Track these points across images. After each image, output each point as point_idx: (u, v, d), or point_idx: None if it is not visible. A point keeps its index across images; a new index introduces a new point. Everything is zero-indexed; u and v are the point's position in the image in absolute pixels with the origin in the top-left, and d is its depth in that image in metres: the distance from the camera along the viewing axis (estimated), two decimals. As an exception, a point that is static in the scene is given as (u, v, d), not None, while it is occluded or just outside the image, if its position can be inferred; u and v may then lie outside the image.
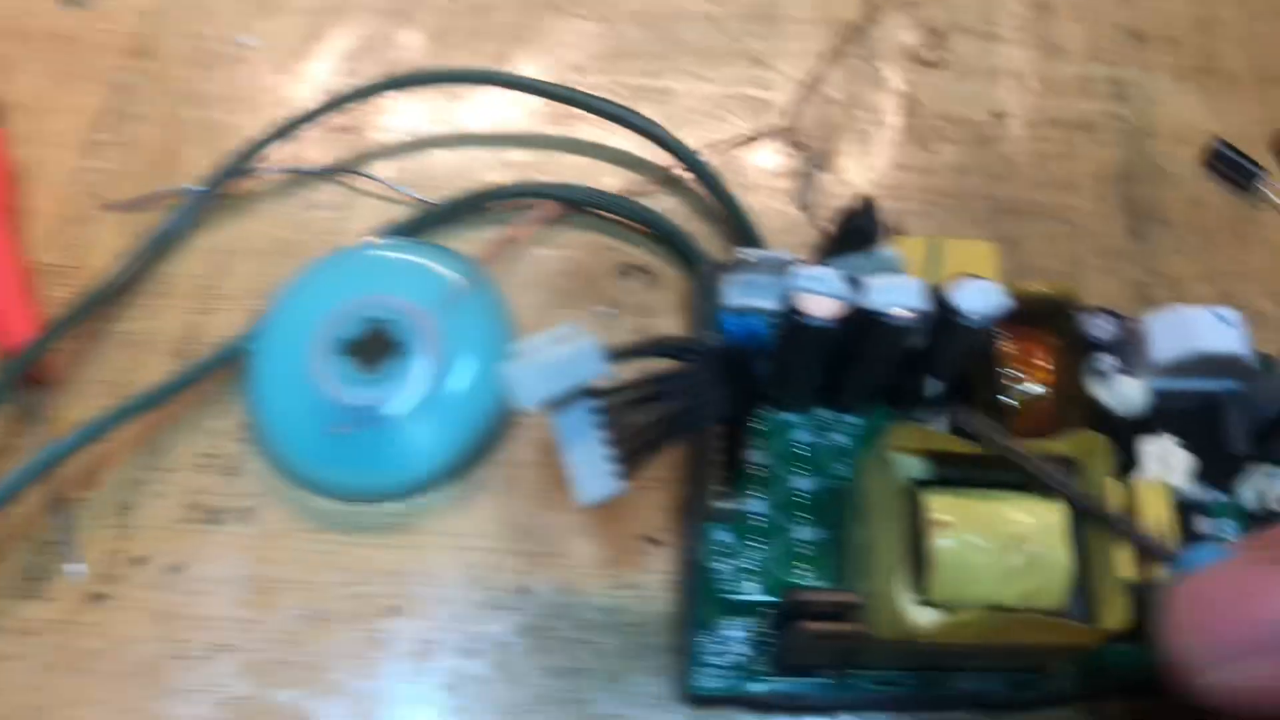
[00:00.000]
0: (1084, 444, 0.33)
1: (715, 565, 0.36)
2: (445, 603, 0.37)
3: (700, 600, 0.36)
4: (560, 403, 0.30)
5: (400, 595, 0.37)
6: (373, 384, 0.37)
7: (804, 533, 0.37)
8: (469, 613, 0.37)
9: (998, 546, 0.31)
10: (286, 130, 0.44)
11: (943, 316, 0.34)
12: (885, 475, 0.33)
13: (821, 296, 0.33)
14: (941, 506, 0.32)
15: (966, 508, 0.32)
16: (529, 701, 0.35)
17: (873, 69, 0.50)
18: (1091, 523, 0.30)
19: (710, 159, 0.46)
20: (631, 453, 0.31)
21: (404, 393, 0.38)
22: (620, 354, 0.31)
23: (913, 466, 0.33)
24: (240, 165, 0.44)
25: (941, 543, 0.31)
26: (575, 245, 0.44)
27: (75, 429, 0.37)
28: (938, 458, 0.33)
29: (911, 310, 0.33)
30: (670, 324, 0.42)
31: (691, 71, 0.50)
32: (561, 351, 0.30)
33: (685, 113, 0.48)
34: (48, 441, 0.37)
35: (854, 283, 0.34)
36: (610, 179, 0.46)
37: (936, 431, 0.34)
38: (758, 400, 0.37)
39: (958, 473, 0.33)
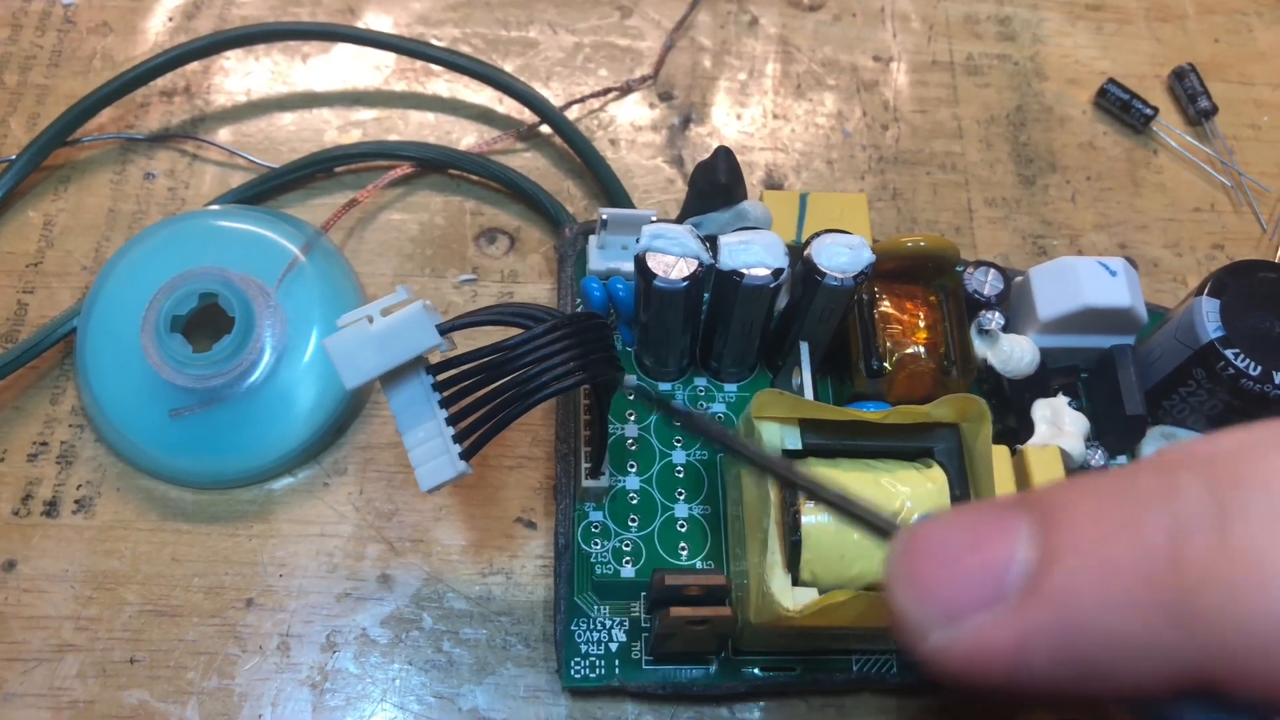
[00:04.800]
0: (964, 407, 0.31)
1: (589, 546, 0.34)
2: (303, 594, 0.34)
3: (575, 584, 0.34)
4: (393, 378, 0.28)
5: (254, 587, 0.34)
6: (209, 362, 0.34)
7: (681, 510, 0.35)
8: (329, 604, 0.34)
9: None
10: (116, 94, 0.41)
11: (806, 275, 0.31)
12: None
13: (672, 257, 0.31)
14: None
15: (838, 479, 0.29)
16: (395, 697, 0.33)
17: (746, 13, 0.48)
18: (818, 502, 0.28)
19: (574, 114, 0.44)
20: (475, 430, 0.28)
21: (242, 371, 0.35)
22: (455, 323, 0.28)
23: (781, 435, 0.31)
24: (66, 133, 0.41)
25: (809, 519, 0.29)
26: (431, 209, 0.42)
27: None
28: (809, 425, 0.31)
29: (768, 269, 0.31)
30: (536, 289, 0.40)
31: (553, 21, 0.47)
32: (387, 321, 0.28)
33: (547, 65, 0.46)
34: None
35: (710, 241, 0.32)
36: (468, 138, 0.44)
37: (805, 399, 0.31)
38: (624, 369, 0.35)
39: (831, 441, 0.31)
